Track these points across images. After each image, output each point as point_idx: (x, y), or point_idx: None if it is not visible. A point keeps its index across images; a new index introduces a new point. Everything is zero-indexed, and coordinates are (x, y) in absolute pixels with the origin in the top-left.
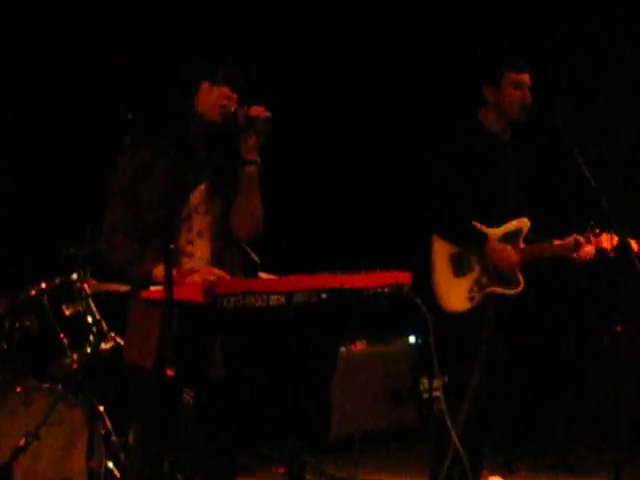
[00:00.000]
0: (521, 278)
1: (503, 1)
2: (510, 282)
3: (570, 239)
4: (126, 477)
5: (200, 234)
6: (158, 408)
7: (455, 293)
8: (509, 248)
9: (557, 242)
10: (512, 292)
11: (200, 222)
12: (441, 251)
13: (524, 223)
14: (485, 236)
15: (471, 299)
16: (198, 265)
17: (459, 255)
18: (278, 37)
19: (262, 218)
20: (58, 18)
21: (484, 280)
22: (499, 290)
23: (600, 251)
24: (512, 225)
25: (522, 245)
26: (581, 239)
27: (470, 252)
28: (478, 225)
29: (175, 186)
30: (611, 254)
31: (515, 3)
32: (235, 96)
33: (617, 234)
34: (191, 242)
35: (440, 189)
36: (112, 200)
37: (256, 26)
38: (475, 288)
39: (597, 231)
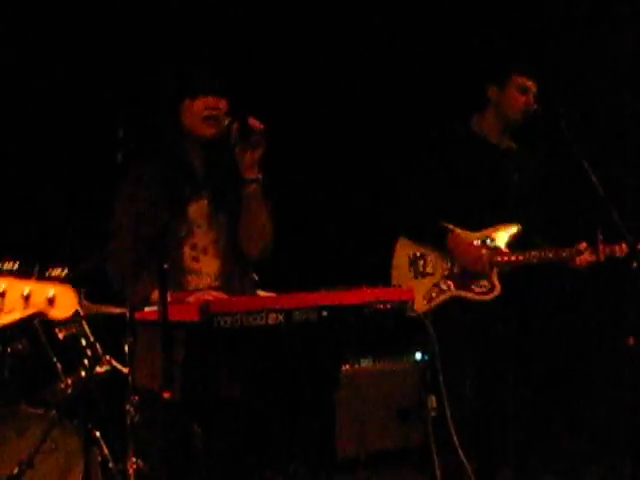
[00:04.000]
0: (497, 282)
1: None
2: (483, 287)
3: (573, 248)
4: None
5: (204, 250)
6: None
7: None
8: (475, 244)
9: (556, 251)
10: (486, 298)
11: (203, 238)
12: (403, 252)
13: (512, 228)
14: (447, 231)
15: (429, 301)
16: (204, 282)
17: (419, 257)
18: (276, 42)
19: (272, 235)
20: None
21: (444, 285)
22: (469, 295)
23: (612, 261)
24: (494, 230)
25: (505, 249)
26: (584, 248)
27: (432, 254)
28: (447, 224)
29: (167, 202)
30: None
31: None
32: (223, 102)
33: (627, 243)
34: (196, 259)
35: (412, 188)
36: (115, 219)
37: (253, 29)
38: (434, 291)
39: (602, 237)
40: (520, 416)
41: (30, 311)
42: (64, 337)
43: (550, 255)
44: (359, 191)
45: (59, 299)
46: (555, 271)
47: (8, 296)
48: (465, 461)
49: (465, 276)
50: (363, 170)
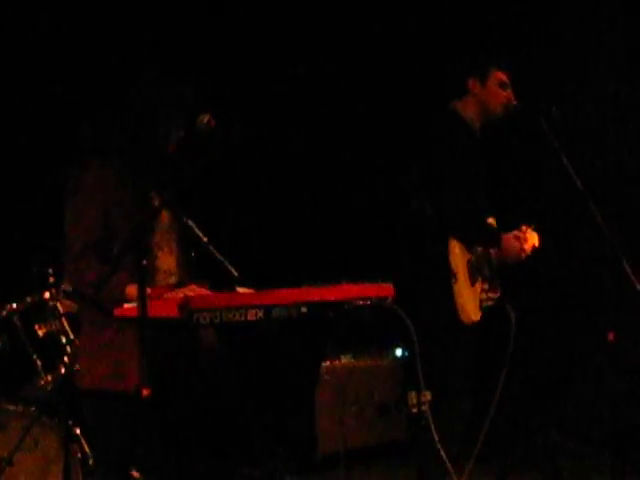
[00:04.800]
0: (498, 284)
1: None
2: (494, 288)
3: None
4: None
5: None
6: (126, 430)
7: (473, 302)
8: (516, 241)
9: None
10: (495, 296)
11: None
12: (459, 257)
13: (491, 223)
14: (499, 233)
15: (482, 308)
16: (166, 279)
17: (474, 261)
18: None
19: None
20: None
21: (486, 287)
22: (493, 296)
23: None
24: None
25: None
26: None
27: (478, 256)
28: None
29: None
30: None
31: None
32: None
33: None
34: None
35: (451, 190)
36: (77, 217)
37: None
38: (483, 295)
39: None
40: (506, 413)
41: None
42: (44, 334)
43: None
44: (344, 189)
45: None
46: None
47: None
48: (445, 457)
49: (490, 280)
50: (355, 169)
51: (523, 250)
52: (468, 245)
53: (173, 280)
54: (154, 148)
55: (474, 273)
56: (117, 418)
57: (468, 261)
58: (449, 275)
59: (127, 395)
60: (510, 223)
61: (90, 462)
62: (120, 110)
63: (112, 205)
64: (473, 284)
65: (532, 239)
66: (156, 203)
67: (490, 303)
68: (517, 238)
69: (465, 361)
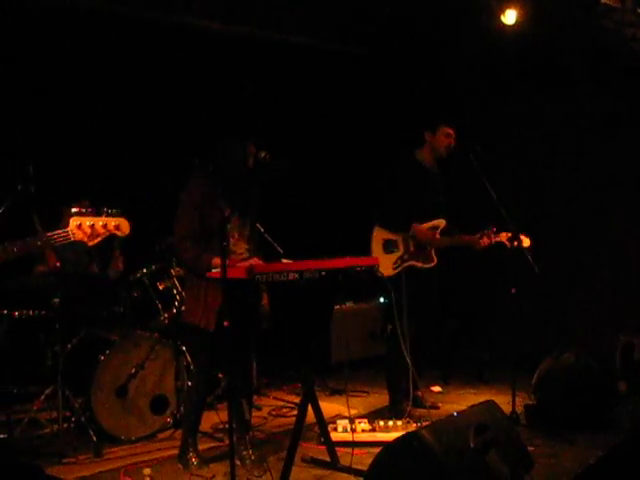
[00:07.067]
0: (435, 257)
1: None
2: (427, 259)
3: (477, 235)
4: (190, 389)
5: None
6: (211, 351)
7: (385, 264)
8: (427, 231)
9: (467, 237)
10: (428, 266)
11: (236, 233)
12: (379, 236)
13: (441, 222)
14: (411, 223)
15: (394, 268)
16: (238, 256)
17: (389, 240)
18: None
19: None
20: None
21: (405, 257)
22: (418, 264)
23: (500, 243)
24: (434, 222)
25: (437, 236)
26: (483, 235)
27: (398, 238)
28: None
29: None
30: (508, 244)
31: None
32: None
33: (511, 231)
34: (234, 244)
35: (385, 198)
36: (183, 215)
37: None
38: (398, 262)
39: (495, 230)
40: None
41: (107, 234)
42: (163, 288)
43: (464, 239)
44: (347, 193)
45: (121, 225)
46: (464, 249)
47: (95, 227)
48: (410, 364)
49: (417, 253)
50: (349, 180)
51: (425, 237)
52: (388, 230)
53: (243, 256)
54: (229, 176)
55: (387, 247)
56: (205, 341)
57: (384, 239)
58: (367, 242)
59: (209, 330)
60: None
61: (191, 367)
62: (212, 154)
63: (202, 209)
64: (387, 253)
65: (500, 237)
66: (227, 212)
67: (401, 267)
68: (427, 230)
69: (409, 302)
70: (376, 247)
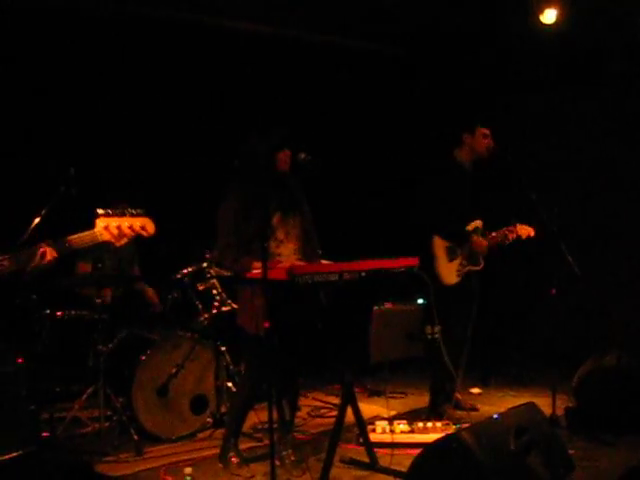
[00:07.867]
0: (482, 260)
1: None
2: (477, 263)
3: (503, 231)
4: (237, 391)
5: (282, 241)
6: (259, 352)
7: (449, 272)
8: (482, 239)
9: (497, 236)
10: (478, 269)
11: (281, 234)
12: (439, 245)
13: (479, 223)
14: (469, 234)
15: (458, 275)
16: (284, 260)
17: (450, 247)
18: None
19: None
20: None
21: (464, 262)
22: (474, 269)
23: (519, 238)
24: (474, 225)
25: (485, 243)
26: (509, 231)
27: (457, 247)
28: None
29: (267, 209)
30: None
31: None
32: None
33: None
34: (277, 246)
35: (440, 208)
36: (224, 224)
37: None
38: (460, 267)
39: (517, 225)
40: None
41: (133, 234)
42: (203, 289)
43: (496, 239)
44: (385, 194)
45: (146, 226)
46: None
47: (121, 227)
48: (451, 368)
49: (471, 257)
50: (387, 180)
51: (482, 248)
52: (448, 240)
53: (292, 260)
54: (267, 180)
55: (450, 254)
56: (254, 345)
57: (446, 247)
58: (431, 254)
59: (259, 334)
60: (502, 221)
61: (230, 367)
62: (251, 157)
63: (243, 213)
64: (450, 260)
65: (525, 230)
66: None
67: (462, 272)
68: (483, 242)
69: (459, 307)
70: (441, 256)
